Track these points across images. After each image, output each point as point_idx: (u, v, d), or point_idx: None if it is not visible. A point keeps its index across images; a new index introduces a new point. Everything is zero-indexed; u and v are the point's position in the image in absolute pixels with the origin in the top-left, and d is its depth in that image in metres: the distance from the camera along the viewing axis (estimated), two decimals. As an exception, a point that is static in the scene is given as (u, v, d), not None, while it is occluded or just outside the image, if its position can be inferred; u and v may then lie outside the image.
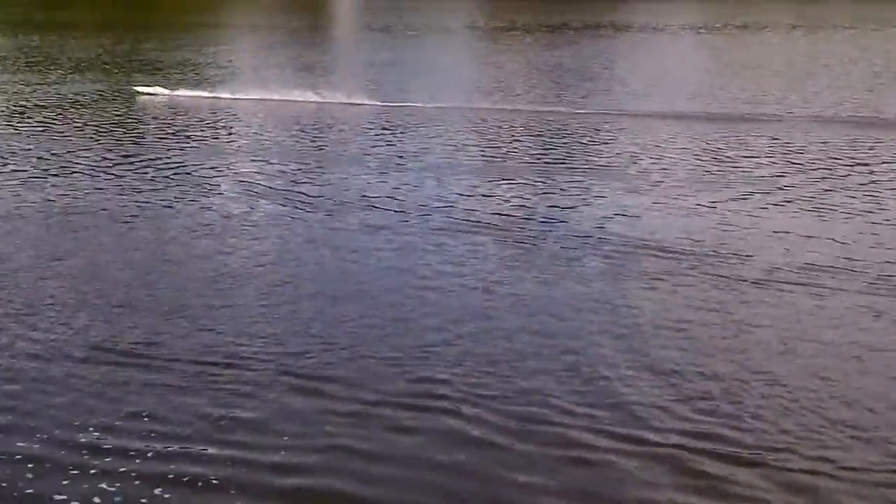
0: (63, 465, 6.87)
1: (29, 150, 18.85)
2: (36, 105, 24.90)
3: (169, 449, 7.11)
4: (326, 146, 19.69)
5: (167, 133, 20.92)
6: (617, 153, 18.61)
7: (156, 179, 16.29)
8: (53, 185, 15.78)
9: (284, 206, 14.48)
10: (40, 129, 21.44)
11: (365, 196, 15.04)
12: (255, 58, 40.10)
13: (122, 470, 6.79)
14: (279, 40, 49.79)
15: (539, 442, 7.31)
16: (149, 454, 7.02)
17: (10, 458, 6.97)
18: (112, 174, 16.72)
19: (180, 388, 8.14)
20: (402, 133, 20.96)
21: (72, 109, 24.14)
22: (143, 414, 7.67)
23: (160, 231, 13.14)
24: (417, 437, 7.38)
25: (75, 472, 6.78)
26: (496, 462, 7.02)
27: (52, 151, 18.68)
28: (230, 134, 21.01)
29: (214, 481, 6.69)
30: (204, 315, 9.85)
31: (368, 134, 20.93)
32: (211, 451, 7.10)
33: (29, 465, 6.87)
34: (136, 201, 14.70)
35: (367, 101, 25.56)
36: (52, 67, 33.24)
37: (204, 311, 9.98)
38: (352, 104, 25.37)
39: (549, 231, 13.06)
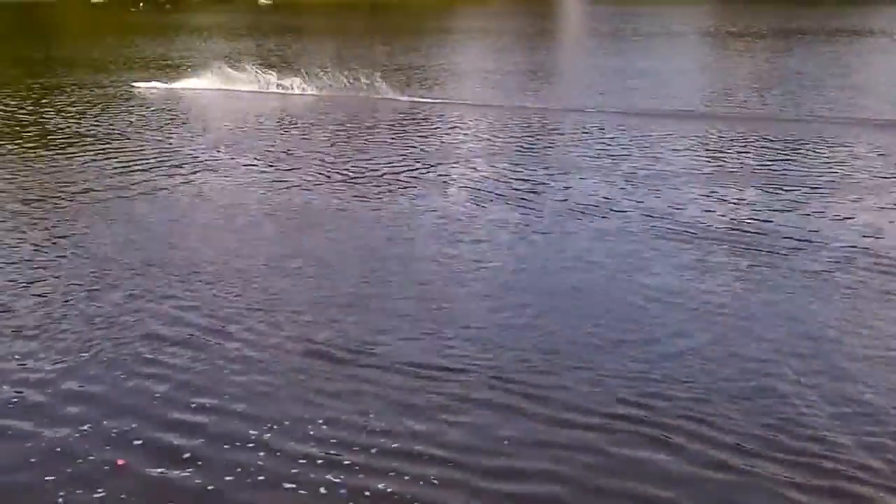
0: (283, 461, 6.91)
1: (266, 149, 19.39)
2: (272, 106, 25.65)
3: (373, 454, 7.03)
4: (550, 151, 19.45)
5: (396, 134, 21.16)
6: (856, 163, 17.55)
7: (384, 179, 16.49)
8: (289, 184, 16.15)
9: (510, 209, 14.33)
10: (277, 129, 22.02)
11: (589, 202, 14.70)
12: (479, 61, 40.23)
13: (338, 472, 6.79)
14: (506, 44, 49.91)
15: (756, 476, 6.77)
16: (360, 458, 6.97)
17: (238, 451, 7.05)
18: (344, 174, 17.01)
19: (393, 394, 8.03)
20: (626, 139, 20.47)
21: (305, 110, 24.73)
22: (356, 417, 7.60)
23: (388, 231, 13.21)
24: (623, 467, 6.97)
25: (301, 465, 6.84)
26: (705, 499, 6.54)
27: (289, 151, 19.20)
28: (455, 137, 21.03)
29: (415, 489, 6.59)
30: (424, 319, 9.75)
31: (591, 139, 20.55)
32: (414, 462, 6.95)
33: (255, 458, 6.95)
34: (366, 201, 14.88)
35: (590, 107, 25.24)
36: (284, 70, 34.22)
37: (424, 315, 9.88)
38: (574, 110, 25.10)
39: (781, 243, 12.34)
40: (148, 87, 29.52)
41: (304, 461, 6.94)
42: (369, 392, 8.08)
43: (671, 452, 7.10)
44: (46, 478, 6.73)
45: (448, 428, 7.47)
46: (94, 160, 18.35)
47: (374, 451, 7.10)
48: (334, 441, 7.23)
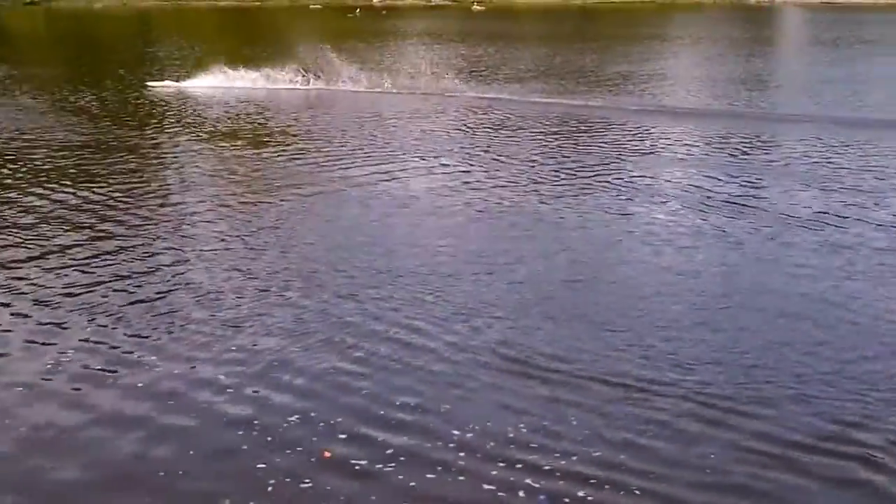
0: (481, 464, 6.99)
1: (469, 151, 19.60)
2: (474, 110, 25.86)
3: (561, 466, 6.98)
4: (761, 159, 18.94)
5: (602, 140, 21.05)
6: None
7: (590, 184, 16.40)
8: (492, 187, 16.26)
9: (720, 218, 14.02)
10: (479, 132, 22.23)
11: (804, 212, 14.26)
12: (691, 68, 39.57)
13: (535, 477, 6.81)
14: (719, 51, 48.85)
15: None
16: (557, 466, 6.96)
17: (437, 451, 7.18)
18: (548, 178, 17.02)
19: (590, 405, 7.96)
20: (843, 148, 19.75)
21: (508, 115, 24.84)
22: (552, 426, 7.58)
23: (592, 237, 13.15)
24: (827, 488, 6.73)
25: (499, 468, 6.91)
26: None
27: (491, 154, 19.33)
28: (663, 144, 20.77)
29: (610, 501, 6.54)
30: (626, 329, 9.61)
31: (806, 148, 19.90)
32: (610, 472, 6.90)
33: (453, 459, 7.07)
34: (571, 206, 14.81)
35: (804, 115, 24.51)
36: (491, 76, 34.55)
37: (626, 324, 9.75)
38: (788, 118, 24.42)
39: None
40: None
41: (503, 465, 6.98)
42: (566, 402, 8.02)
43: (880, 476, 6.81)
44: (258, 465, 6.99)
45: (645, 440, 7.37)
46: (296, 158, 18.94)
47: (571, 459, 7.07)
48: (532, 447, 7.24)
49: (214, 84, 30.63)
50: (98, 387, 8.34)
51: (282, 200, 15.12)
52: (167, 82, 30.99)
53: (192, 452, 7.21)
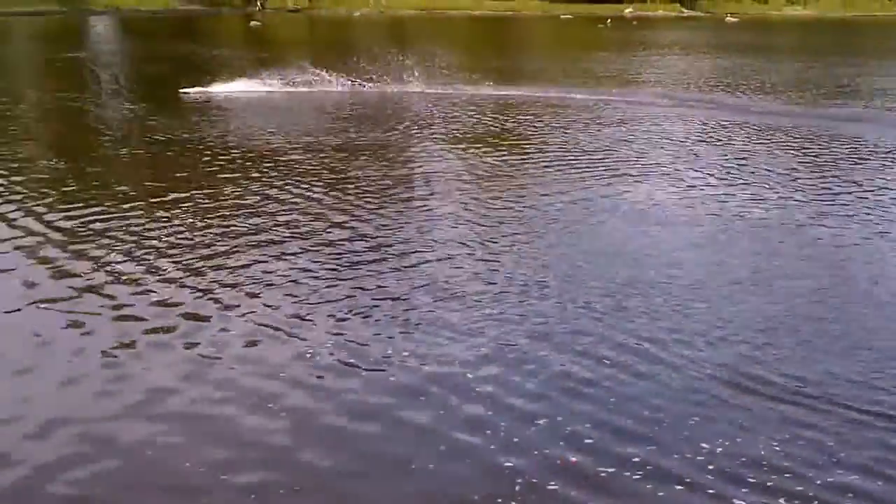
0: (713, 484, 6.86)
1: (720, 162, 19.11)
2: (723, 120, 25.35)
3: (814, 489, 6.78)
4: None
5: (851, 155, 20.24)
6: None
7: (845, 202, 15.82)
8: (743, 199, 15.87)
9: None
10: (728, 144, 21.77)
11: None
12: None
13: (775, 500, 6.64)
14: None
15: None
16: (797, 490, 6.75)
17: (671, 472, 7.05)
18: (802, 192, 16.60)
19: (832, 431, 7.63)
20: None
21: (757, 127, 24.25)
22: (791, 450, 7.33)
23: (847, 257, 12.63)
24: None
25: (750, 489, 6.78)
26: None
27: (743, 167, 18.87)
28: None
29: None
30: (875, 355, 9.14)
31: None
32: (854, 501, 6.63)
33: (700, 476, 6.96)
34: (824, 223, 14.35)
35: None
36: (741, 87, 33.90)
37: (876, 350, 9.28)
38: None
39: None
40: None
41: (752, 483, 6.83)
42: (813, 425, 7.72)
43: None
44: (505, 466, 7.08)
45: (876, 482, 7.00)
46: (536, 163, 19.02)
47: (826, 481, 6.86)
48: (780, 468, 7.04)
49: (470, 91, 31.18)
50: (338, 378, 8.59)
51: (521, 204, 15.19)
52: (196, 89, 30.35)
53: (442, 448, 7.36)
